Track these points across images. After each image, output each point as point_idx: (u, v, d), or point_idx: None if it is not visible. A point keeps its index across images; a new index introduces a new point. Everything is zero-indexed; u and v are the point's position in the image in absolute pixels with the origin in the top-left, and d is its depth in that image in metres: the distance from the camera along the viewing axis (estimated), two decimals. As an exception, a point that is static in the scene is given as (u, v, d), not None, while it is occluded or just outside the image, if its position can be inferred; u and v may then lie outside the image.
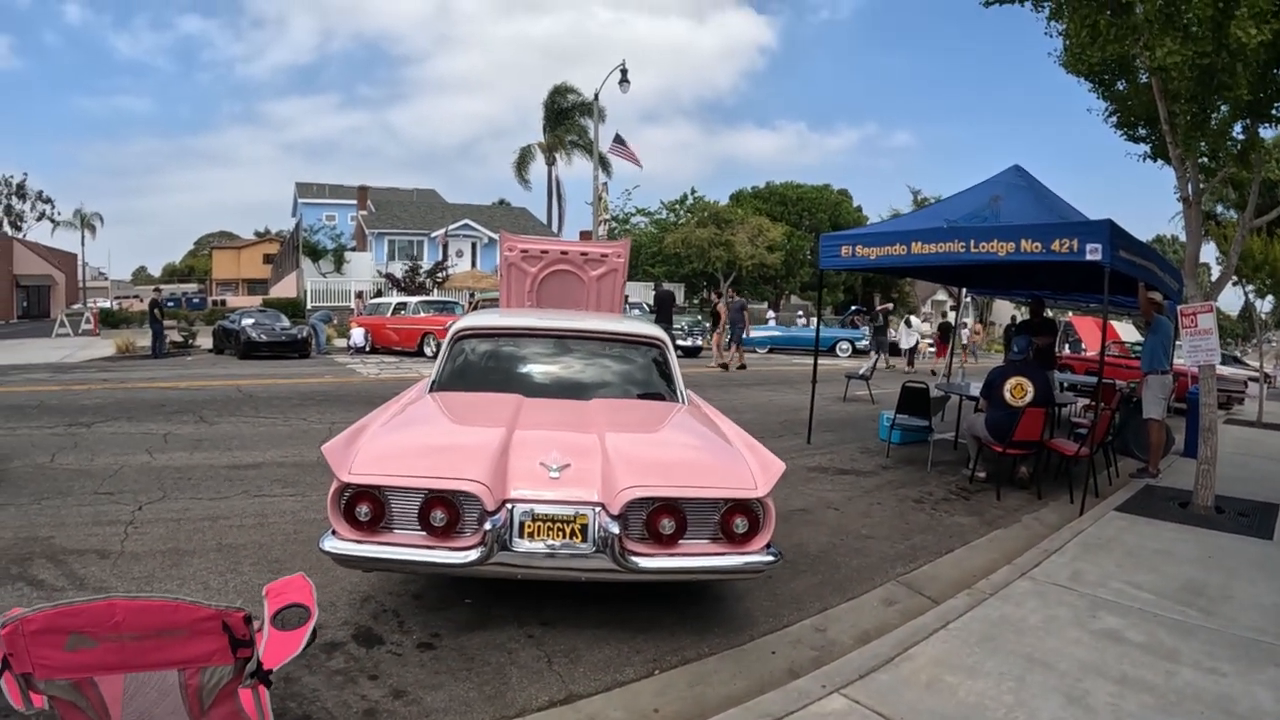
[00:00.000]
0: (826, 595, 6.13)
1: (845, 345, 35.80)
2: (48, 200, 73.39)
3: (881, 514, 8.56)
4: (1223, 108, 8.57)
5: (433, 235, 51.50)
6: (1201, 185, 9.33)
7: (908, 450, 11.88)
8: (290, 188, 68.16)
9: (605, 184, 40.49)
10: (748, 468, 5.10)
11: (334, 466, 4.71)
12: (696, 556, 4.85)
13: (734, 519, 4.85)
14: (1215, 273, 14.58)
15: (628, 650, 4.95)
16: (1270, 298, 26.54)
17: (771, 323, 39.77)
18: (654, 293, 27.41)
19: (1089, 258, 8.56)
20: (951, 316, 38.67)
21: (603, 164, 49.39)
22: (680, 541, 4.81)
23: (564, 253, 10.28)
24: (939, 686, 4.44)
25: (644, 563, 4.70)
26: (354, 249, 51.79)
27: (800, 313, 43.63)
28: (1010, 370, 9.89)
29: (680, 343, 28.62)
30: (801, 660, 4.97)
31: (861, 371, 19.04)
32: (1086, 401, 13.02)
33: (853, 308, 44.81)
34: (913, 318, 35.17)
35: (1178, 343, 10.50)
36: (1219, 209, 32.69)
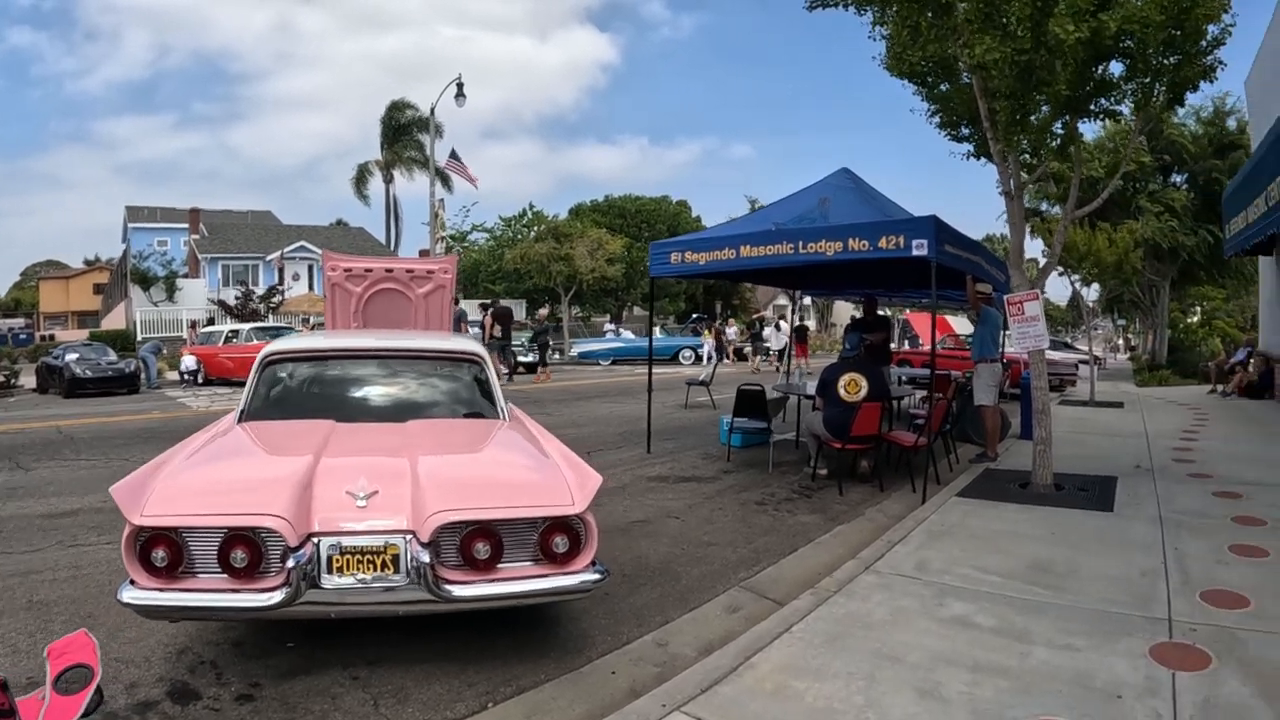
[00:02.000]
0: (668, 608, 5.94)
1: (688, 352, 36.06)
2: None
3: (724, 519, 8.45)
4: (1044, 108, 8.79)
5: (268, 259, 50.33)
6: (1024, 179, 9.54)
7: (749, 453, 11.91)
8: (122, 212, 65.37)
9: (442, 201, 40.04)
10: (565, 483, 4.87)
11: (124, 509, 4.29)
12: (517, 580, 4.60)
13: (553, 538, 4.63)
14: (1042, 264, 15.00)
15: (459, 684, 4.65)
16: (1095, 286, 27.67)
17: (610, 334, 39.73)
18: (490, 309, 26.92)
19: (915, 253, 8.71)
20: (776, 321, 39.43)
21: (442, 181, 48.70)
22: (499, 565, 4.56)
23: (389, 270, 10.08)
24: (786, 693, 4.30)
25: (460, 591, 4.44)
26: (186, 275, 49.77)
27: (611, 324, 43.34)
28: (843, 367, 10.02)
29: (521, 359, 28.51)
30: (643, 678, 4.75)
31: (701, 377, 19.07)
32: (924, 393, 13.27)
33: (693, 315, 45.10)
34: (782, 322, 35.68)
35: (1007, 332, 10.75)
36: (1043, 206, 34.20)
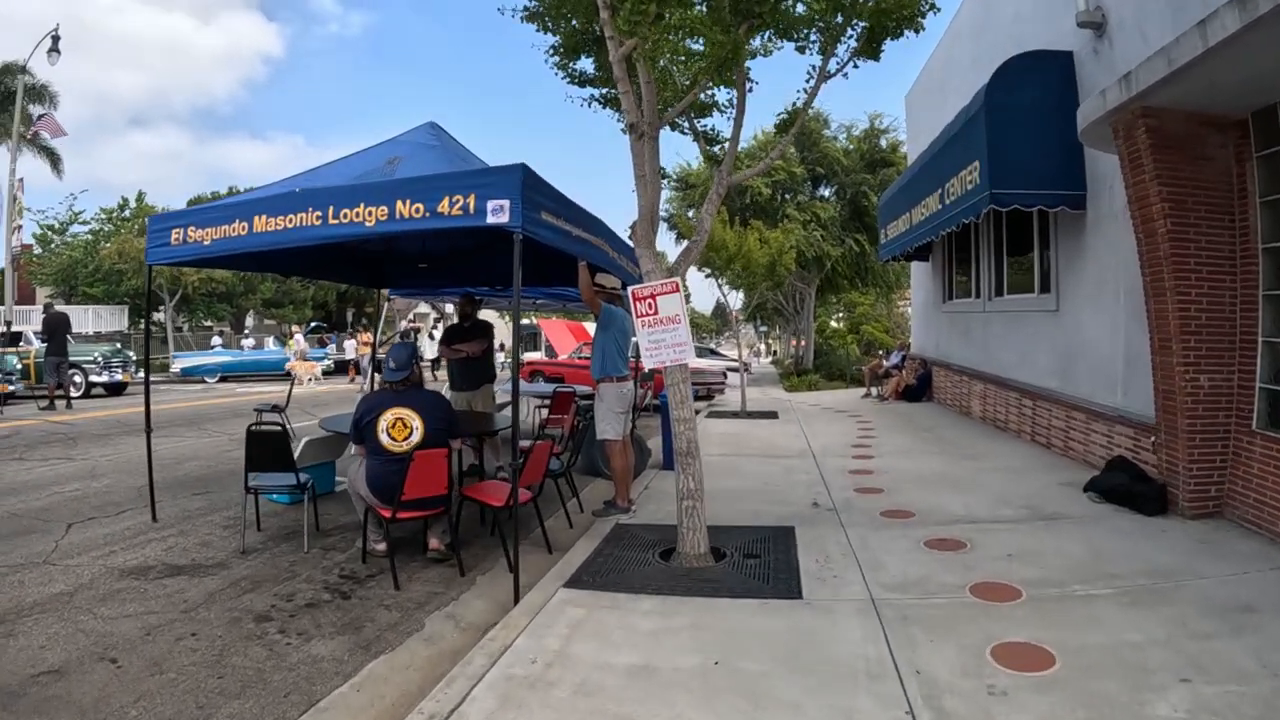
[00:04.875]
0: None
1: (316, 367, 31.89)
2: None
3: (187, 660, 4.93)
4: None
5: None
6: (665, 113, 6.90)
7: (301, 513, 8.08)
8: None
9: (21, 180, 33.82)
10: None
11: None
12: None
13: None
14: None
15: None
16: (739, 293, 26.05)
17: (218, 346, 35.09)
18: (42, 316, 21.84)
19: (493, 220, 5.72)
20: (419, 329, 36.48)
21: (51, 162, 41.87)
22: None
23: None
24: None
25: None
26: None
27: (218, 336, 38.52)
28: (385, 400, 6.65)
29: (95, 378, 23.49)
30: None
31: (273, 403, 14.74)
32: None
33: (312, 324, 41.25)
34: (435, 331, 32.53)
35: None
36: (690, 213, 32.73)
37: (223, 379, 31.06)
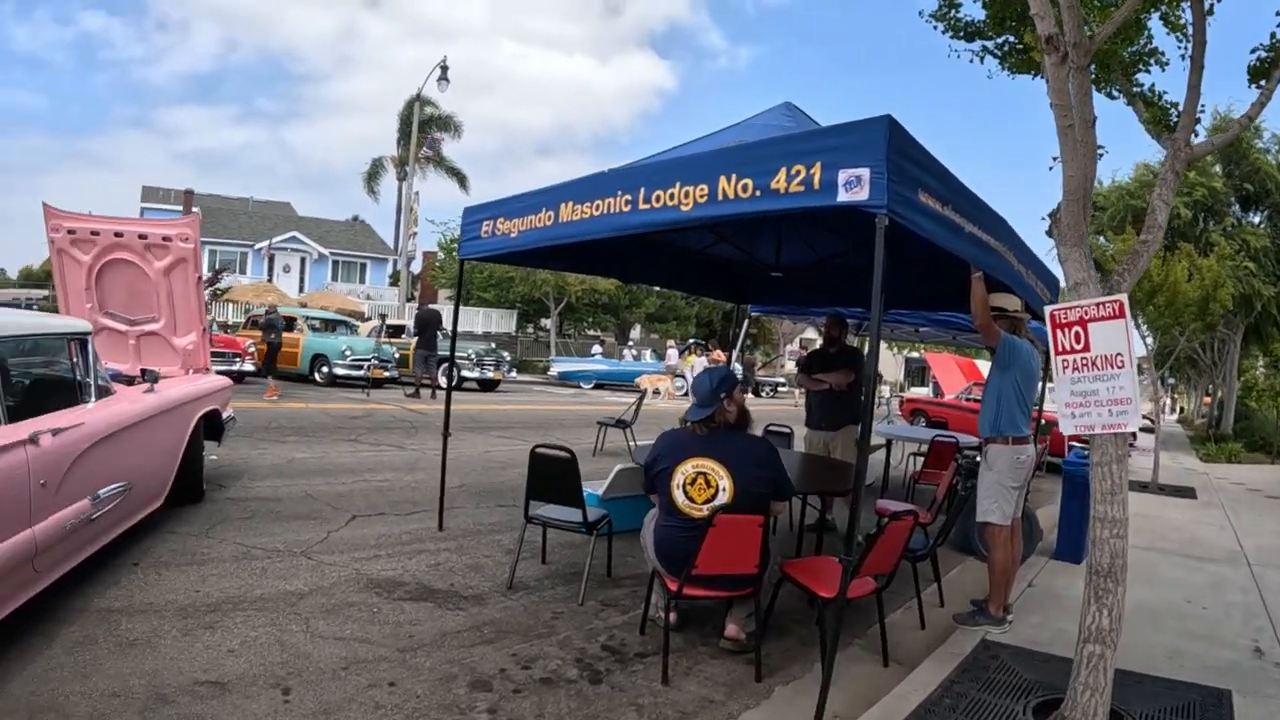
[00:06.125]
0: None
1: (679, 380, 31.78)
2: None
3: (360, 718, 3.83)
4: None
5: (256, 247, 48.21)
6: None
7: (604, 548, 6.71)
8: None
9: (417, 194, 38.13)
10: None
11: None
12: None
13: None
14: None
15: None
16: (1154, 334, 21.31)
17: (597, 355, 36.40)
18: (415, 312, 23.83)
19: (845, 198, 3.92)
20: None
21: (459, 182, 45.83)
22: None
23: (119, 235, 8.13)
24: None
25: None
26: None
27: (598, 345, 40.68)
28: (686, 446, 4.97)
29: (467, 374, 24.59)
30: None
31: (620, 416, 13.83)
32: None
33: (690, 341, 41.39)
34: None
35: (1050, 385, 5.94)
36: (1100, 239, 27.75)
37: (597, 386, 32.01)
